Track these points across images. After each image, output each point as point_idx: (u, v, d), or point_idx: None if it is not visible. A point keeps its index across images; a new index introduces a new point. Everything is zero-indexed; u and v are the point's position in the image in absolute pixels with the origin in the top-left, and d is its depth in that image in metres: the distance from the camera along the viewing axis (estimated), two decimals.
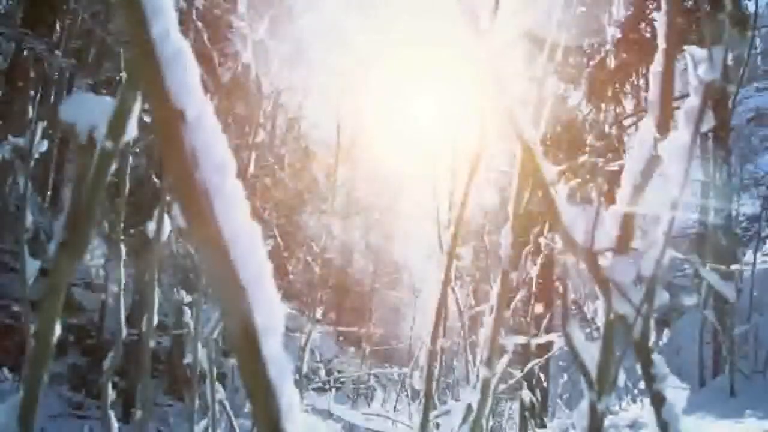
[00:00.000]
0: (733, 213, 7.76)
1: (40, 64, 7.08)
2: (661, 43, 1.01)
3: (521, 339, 1.49)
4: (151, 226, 1.17)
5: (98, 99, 0.60)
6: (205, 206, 0.36)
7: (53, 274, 0.58)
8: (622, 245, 0.96)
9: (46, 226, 7.97)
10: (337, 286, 12.69)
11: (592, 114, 5.94)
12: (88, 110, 0.59)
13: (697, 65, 0.82)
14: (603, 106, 6.01)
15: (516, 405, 4.90)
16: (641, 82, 6.43)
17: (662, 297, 0.85)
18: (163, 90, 0.34)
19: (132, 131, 0.59)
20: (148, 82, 0.35)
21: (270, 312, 0.39)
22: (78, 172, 0.59)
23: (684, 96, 1.09)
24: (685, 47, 0.86)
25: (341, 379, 5.77)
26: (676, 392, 0.86)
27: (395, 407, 5.33)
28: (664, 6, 1.03)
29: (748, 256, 8.67)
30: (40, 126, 1.29)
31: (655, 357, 0.87)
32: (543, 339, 1.66)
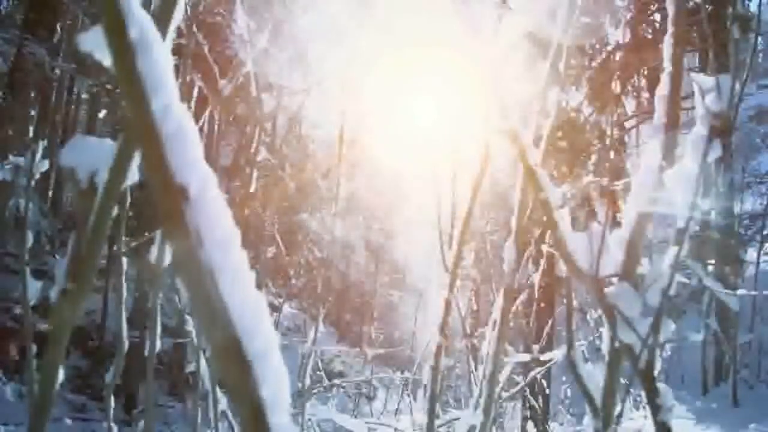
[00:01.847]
0: (736, 211, 7.75)
1: (42, 67, 7.07)
2: (667, 66, 1.00)
3: (524, 357, 1.48)
4: (153, 251, 1.16)
5: (99, 142, 0.59)
6: (210, 285, 0.35)
7: (55, 322, 0.57)
8: (628, 271, 0.95)
9: (47, 228, 7.97)
10: (337, 287, 12.69)
11: (593, 116, 5.93)
12: (88, 154, 0.58)
13: (704, 94, 0.81)
14: (604, 106, 6.01)
15: (518, 405, 4.90)
16: (642, 82, 6.43)
17: (668, 328, 0.84)
18: (164, 167, 0.34)
19: (134, 175, 0.58)
20: (149, 160, 0.34)
21: (276, 384, 0.38)
22: (79, 218, 0.58)
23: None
24: (693, 75, 0.85)
25: (344, 383, 5.79)
26: (682, 423, 0.85)
27: (398, 408, 5.33)
28: (670, 28, 1.02)
29: (750, 254, 8.65)
30: (41, 145, 1.29)
31: (661, 386, 0.87)
32: (546, 356, 1.65)
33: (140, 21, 0.34)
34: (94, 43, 0.37)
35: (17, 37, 6.93)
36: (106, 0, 0.33)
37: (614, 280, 0.98)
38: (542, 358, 1.61)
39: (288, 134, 10.92)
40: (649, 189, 0.88)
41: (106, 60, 0.35)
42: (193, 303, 0.36)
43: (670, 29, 1.00)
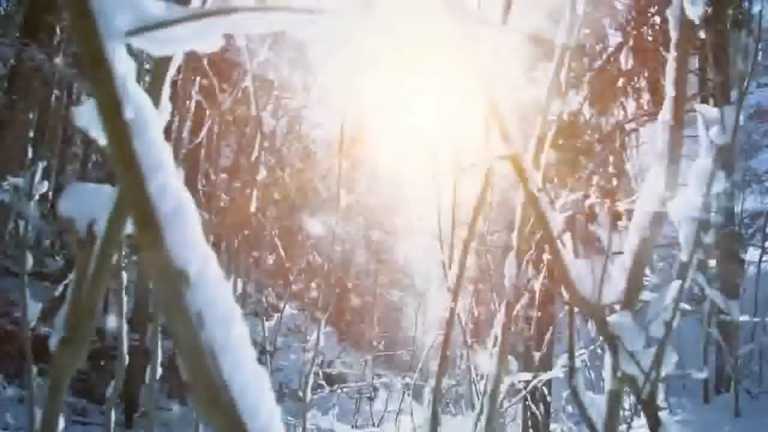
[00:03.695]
0: (736, 210, 7.73)
1: (41, 70, 7.05)
2: (669, 91, 0.99)
3: (525, 375, 1.48)
4: None
5: (97, 189, 0.59)
6: (211, 365, 0.34)
7: (55, 371, 0.57)
8: (630, 299, 0.94)
9: (47, 230, 7.97)
10: (338, 288, 12.70)
11: (593, 118, 5.92)
12: (87, 202, 0.58)
13: (708, 126, 0.81)
14: (604, 109, 6.00)
15: (518, 406, 4.89)
16: (643, 83, 6.41)
17: (670, 360, 0.83)
18: (163, 250, 0.33)
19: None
20: (147, 242, 0.33)
21: None
22: (78, 267, 0.58)
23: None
24: (697, 106, 0.84)
25: (344, 384, 5.81)
26: None
27: (399, 409, 5.35)
28: (672, 52, 1.01)
29: (751, 254, 8.64)
30: (40, 166, 1.28)
31: (664, 416, 0.86)
32: (548, 375, 1.65)
33: (136, 99, 0.34)
34: (88, 119, 0.36)
35: (16, 40, 6.92)
36: (101, 81, 0.33)
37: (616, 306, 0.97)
38: (543, 376, 1.61)
39: (288, 134, 10.91)
40: (651, 217, 0.87)
41: (101, 139, 0.34)
42: (193, 383, 0.35)
43: (673, 53, 0.99)
